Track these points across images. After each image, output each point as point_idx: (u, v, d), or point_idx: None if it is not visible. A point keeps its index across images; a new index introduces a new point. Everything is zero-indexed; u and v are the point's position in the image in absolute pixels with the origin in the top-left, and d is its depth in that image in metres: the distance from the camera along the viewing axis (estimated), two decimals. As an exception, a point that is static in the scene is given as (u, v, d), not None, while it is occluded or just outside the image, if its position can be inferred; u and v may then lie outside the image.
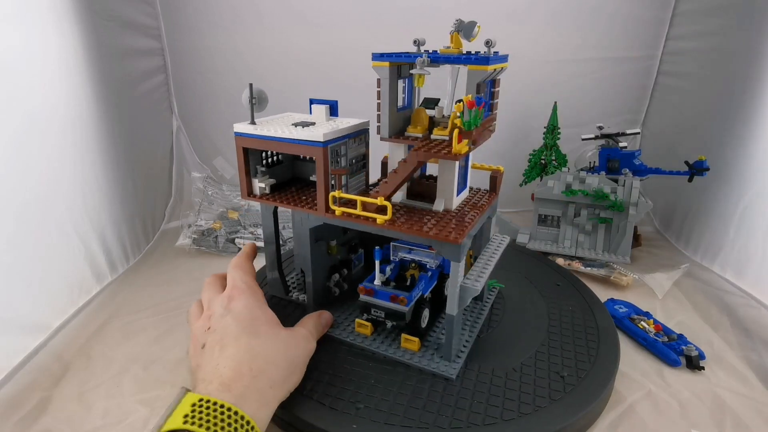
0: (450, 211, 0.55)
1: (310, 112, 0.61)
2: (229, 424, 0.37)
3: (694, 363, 0.59)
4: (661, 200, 1.01)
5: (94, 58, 0.78)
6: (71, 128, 0.72)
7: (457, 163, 0.52)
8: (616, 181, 0.87)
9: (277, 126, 0.56)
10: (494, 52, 0.49)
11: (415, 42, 0.53)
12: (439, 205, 0.55)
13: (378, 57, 0.51)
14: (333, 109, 0.60)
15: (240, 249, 0.91)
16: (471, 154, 0.56)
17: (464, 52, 0.51)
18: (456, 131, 0.46)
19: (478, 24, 0.47)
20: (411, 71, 0.52)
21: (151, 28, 1.02)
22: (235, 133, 0.56)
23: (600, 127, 0.95)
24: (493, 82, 0.53)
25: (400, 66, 0.53)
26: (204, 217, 0.99)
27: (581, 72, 1.07)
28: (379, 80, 0.52)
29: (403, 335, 0.57)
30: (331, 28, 1.04)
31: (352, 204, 0.53)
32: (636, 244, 0.92)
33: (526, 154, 1.01)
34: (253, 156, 0.59)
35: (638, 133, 1.07)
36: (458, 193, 0.56)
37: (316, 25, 1.04)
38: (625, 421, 0.52)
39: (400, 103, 0.55)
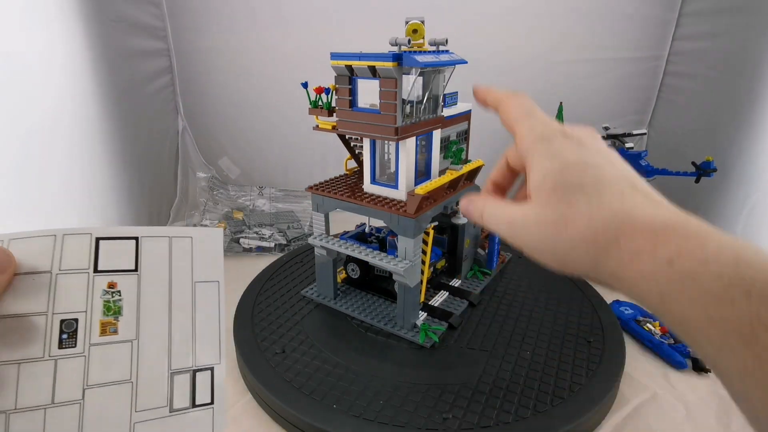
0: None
1: None
2: None
3: (700, 365, 0.58)
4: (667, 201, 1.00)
5: (100, 60, 0.79)
6: (78, 129, 0.73)
7: (387, 146, 0.60)
8: (621, 182, 0.86)
9: None
10: (443, 51, 0.52)
11: (392, 41, 0.52)
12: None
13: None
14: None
15: (244, 249, 0.91)
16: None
17: (428, 49, 0.53)
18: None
19: (418, 21, 0.50)
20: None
21: (157, 29, 1.02)
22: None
23: (606, 128, 0.94)
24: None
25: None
26: (209, 217, 0.99)
27: (587, 72, 1.06)
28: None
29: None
30: (337, 27, 1.04)
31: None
32: (642, 246, 0.91)
33: (531, 155, 1.01)
34: None
35: (645, 133, 1.06)
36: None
37: (322, 24, 1.04)
38: (630, 423, 0.51)
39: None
